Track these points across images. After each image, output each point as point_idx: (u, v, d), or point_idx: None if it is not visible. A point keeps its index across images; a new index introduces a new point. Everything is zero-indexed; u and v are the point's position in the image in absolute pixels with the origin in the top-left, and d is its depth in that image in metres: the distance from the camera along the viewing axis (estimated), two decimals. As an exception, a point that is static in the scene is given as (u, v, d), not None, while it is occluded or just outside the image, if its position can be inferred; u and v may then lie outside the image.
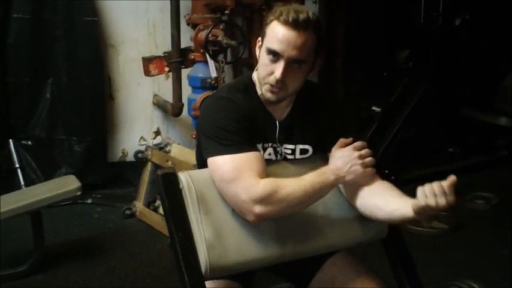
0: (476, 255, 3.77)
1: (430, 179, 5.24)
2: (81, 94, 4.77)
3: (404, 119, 5.12)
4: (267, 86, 1.93)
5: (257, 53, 1.99)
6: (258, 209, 1.80)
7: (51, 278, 3.51)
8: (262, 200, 1.80)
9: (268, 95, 1.94)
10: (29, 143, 4.75)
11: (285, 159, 2.03)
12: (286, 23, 1.85)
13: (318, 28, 1.90)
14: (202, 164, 1.96)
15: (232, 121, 1.89)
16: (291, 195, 1.83)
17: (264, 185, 1.81)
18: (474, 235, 4.07)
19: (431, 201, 1.76)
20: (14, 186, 4.52)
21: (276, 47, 1.87)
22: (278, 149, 2.01)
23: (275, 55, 1.88)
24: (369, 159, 1.94)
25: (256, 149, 1.92)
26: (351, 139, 1.98)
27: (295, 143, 2.03)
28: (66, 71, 4.72)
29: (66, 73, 4.72)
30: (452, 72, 5.52)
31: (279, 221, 1.91)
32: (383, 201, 1.93)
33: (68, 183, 3.65)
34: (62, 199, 3.64)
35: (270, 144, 2.00)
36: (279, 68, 1.88)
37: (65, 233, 4.14)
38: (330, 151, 2.00)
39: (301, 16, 1.85)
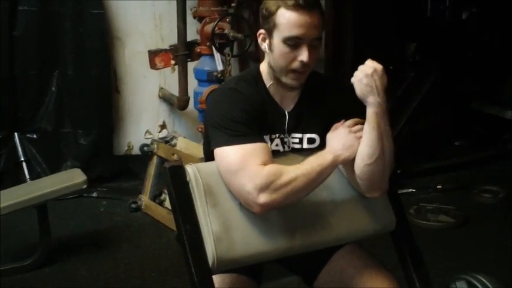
0: (484, 248, 3.76)
1: (437, 172, 5.24)
2: (87, 87, 4.76)
3: (411, 112, 5.11)
4: (291, 74, 1.92)
5: (263, 46, 1.98)
6: (263, 198, 1.78)
7: (58, 271, 3.52)
8: (267, 187, 1.78)
9: (293, 83, 1.94)
10: (35, 136, 4.75)
11: (292, 150, 2.02)
12: (297, 6, 1.84)
13: (321, 7, 1.92)
14: (210, 157, 1.95)
15: (240, 111, 1.88)
16: (294, 180, 1.81)
17: (268, 171, 1.79)
18: (481, 229, 4.06)
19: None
20: (20, 179, 4.54)
21: (296, 33, 1.86)
22: (286, 139, 2.00)
23: (295, 41, 1.87)
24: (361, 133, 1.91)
25: (263, 140, 1.90)
26: (342, 121, 1.97)
27: (302, 132, 2.02)
28: (73, 63, 4.71)
29: (72, 66, 4.71)
30: (460, 65, 5.49)
31: (287, 213, 1.90)
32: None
33: (74, 177, 3.65)
34: (67, 192, 3.64)
35: (277, 135, 1.99)
36: (303, 52, 1.87)
37: (71, 226, 4.14)
38: None
39: None
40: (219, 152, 1.86)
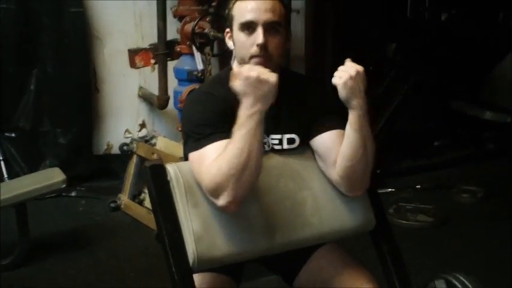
0: (463, 248, 3.79)
1: (416, 171, 5.27)
2: (66, 86, 4.74)
3: (391, 112, 5.14)
4: (253, 61, 1.89)
5: (229, 44, 2.02)
6: (221, 201, 1.77)
7: (36, 270, 3.50)
8: (215, 190, 1.77)
9: None
10: (13, 135, 4.71)
11: (273, 150, 2.01)
12: None
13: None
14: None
15: (206, 113, 1.88)
16: (226, 156, 1.75)
17: (206, 172, 1.78)
18: (460, 228, 4.09)
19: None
20: (-2, 178, 4.50)
21: (248, 17, 1.89)
22: (265, 139, 1.99)
23: (250, 26, 1.89)
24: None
25: (228, 136, 1.81)
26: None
27: (282, 133, 2.01)
28: (52, 62, 4.68)
29: (51, 64, 4.69)
30: (440, 65, 5.53)
31: (268, 212, 1.90)
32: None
33: (52, 176, 3.63)
34: (46, 191, 3.62)
35: None
36: (258, 35, 1.88)
37: (50, 225, 4.12)
38: (313, 137, 2.00)
39: None
40: (189, 157, 1.88)
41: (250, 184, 1.80)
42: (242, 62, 1.93)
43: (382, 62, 5.52)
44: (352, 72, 1.84)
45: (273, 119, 1.97)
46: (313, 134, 2.01)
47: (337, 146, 1.94)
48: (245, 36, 1.90)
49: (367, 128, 1.89)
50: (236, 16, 1.92)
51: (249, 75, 1.75)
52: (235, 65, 1.99)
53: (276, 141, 2.02)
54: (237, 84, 1.77)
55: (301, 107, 2.01)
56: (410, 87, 5.23)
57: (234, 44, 1.98)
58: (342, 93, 1.85)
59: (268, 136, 2.00)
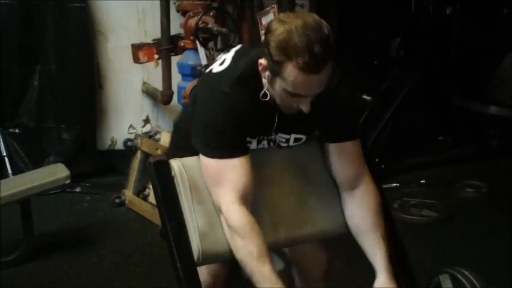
0: (466, 243, 3.78)
1: (420, 167, 5.27)
2: (70, 82, 4.72)
3: (395, 108, 5.12)
4: (285, 110, 1.86)
5: (262, 73, 1.83)
6: (229, 227, 1.82)
7: (41, 266, 3.49)
8: (233, 230, 1.82)
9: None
10: (17, 131, 4.70)
11: (279, 146, 2.02)
12: (307, 68, 1.69)
13: (333, 50, 1.75)
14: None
15: (224, 121, 1.83)
16: (241, 260, 1.81)
17: (235, 217, 1.81)
18: (464, 223, 4.08)
19: None
20: (2, 175, 4.48)
21: (300, 91, 1.76)
22: (273, 138, 1.99)
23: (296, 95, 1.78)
24: None
25: (245, 152, 1.86)
26: None
27: (289, 133, 2.00)
28: (55, 58, 4.66)
29: (54, 60, 4.67)
30: (444, 61, 5.51)
31: (272, 208, 1.90)
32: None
33: (57, 172, 3.62)
34: (51, 187, 3.61)
35: (265, 137, 1.98)
36: (305, 103, 1.79)
37: (55, 222, 4.11)
38: (328, 142, 2.00)
39: (319, 52, 1.68)
40: (202, 157, 1.87)
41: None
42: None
43: (386, 58, 5.51)
44: None
45: (286, 120, 1.94)
46: (328, 139, 2.00)
47: (351, 157, 1.98)
48: (290, 97, 1.79)
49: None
50: (285, 80, 1.73)
51: None
52: (261, 61, 1.83)
53: (283, 140, 2.01)
54: None
55: (317, 113, 1.88)
56: (414, 83, 5.21)
57: (270, 82, 1.81)
58: None
59: (276, 134, 1.99)
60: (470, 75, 5.74)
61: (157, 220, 3.14)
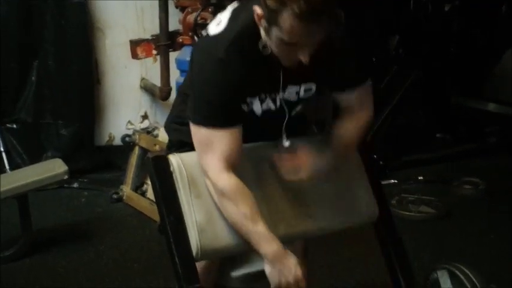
0: (464, 239, 3.79)
1: (419, 164, 5.25)
2: (68, 77, 4.70)
3: (394, 105, 5.12)
4: (285, 62, 1.80)
5: (258, 22, 1.76)
6: (219, 193, 1.84)
7: (39, 262, 3.49)
8: (221, 192, 1.83)
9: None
10: (15, 126, 4.69)
11: (286, 102, 1.93)
12: (303, 14, 1.62)
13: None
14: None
15: (218, 92, 1.80)
16: (232, 218, 1.84)
17: (223, 182, 1.83)
18: (462, 220, 4.08)
19: None
20: (-1, 170, 4.50)
21: (296, 40, 1.69)
22: (278, 97, 1.92)
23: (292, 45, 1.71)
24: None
25: (236, 123, 1.85)
26: None
27: (299, 83, 1.92)
28: (53, 54, 4.65)
29: (53, 56, 4.65)
30: (443, 59, 5.51)
31: (271, 204, 1.90)
32: None
33: (54, 167, 3.62)
34: (49, 183, 3.60)
35: (267, 95, 1.91)
36: (302, 53, 1.72)
37: (53, 217, 4.11)
38: (339, 91, 1.98)
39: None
40: (191, 124, 1.86)
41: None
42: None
43: (384, 55, 5.50)
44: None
45: (292, 72, 1.85)
46: (339, 87, 1.97)
47: (362, 101, 1.98)
48: (287, 48, 1.73)
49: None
50: (281, 28, 1.67)
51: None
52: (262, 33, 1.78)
53: (293, 93, 1.94)
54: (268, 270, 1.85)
55: (326, 57, 1.81)
56: (413, 80, 5.21)
57: (266, 32, 1.74)
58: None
59: (285, 89, 1.91)
60: (469, 73, 5.75)
61: (155, 216, 3.15)
